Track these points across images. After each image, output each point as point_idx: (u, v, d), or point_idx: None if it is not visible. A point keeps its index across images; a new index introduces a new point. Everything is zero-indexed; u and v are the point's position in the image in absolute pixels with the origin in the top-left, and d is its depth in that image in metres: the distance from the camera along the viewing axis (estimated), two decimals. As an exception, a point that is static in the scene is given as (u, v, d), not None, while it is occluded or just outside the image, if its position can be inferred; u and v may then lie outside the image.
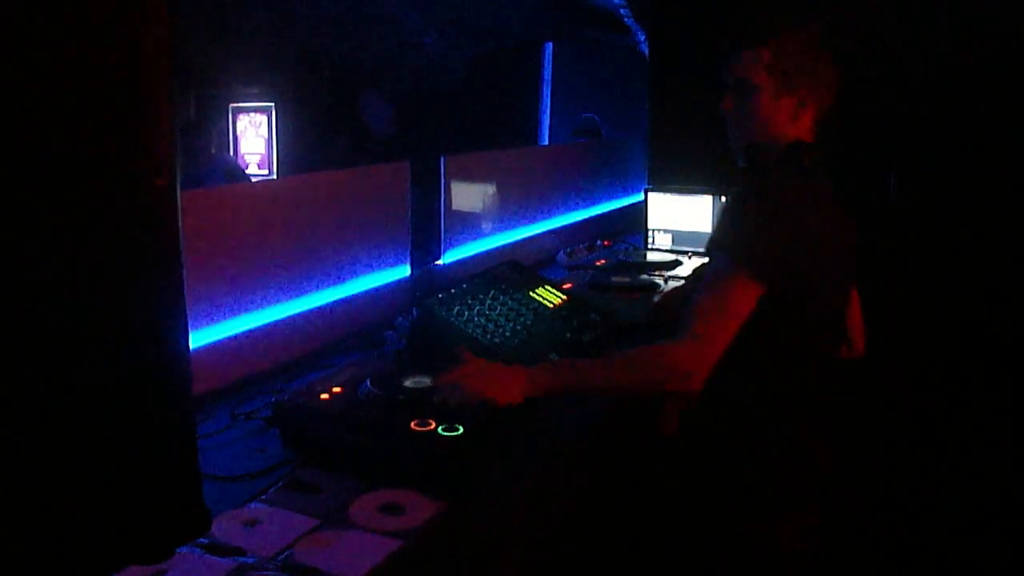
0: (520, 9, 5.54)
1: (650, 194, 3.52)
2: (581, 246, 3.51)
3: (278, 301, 2.08)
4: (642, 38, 4.57)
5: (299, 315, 2.14)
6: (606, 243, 3.66)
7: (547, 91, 6.79)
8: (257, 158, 5.26)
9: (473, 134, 5.53)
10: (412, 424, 1.51)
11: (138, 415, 0.81)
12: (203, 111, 4.90)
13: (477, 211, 3.05)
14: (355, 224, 2.35)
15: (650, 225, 3.50)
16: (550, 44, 6.72)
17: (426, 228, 2.74)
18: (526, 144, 6.31)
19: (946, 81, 3.47)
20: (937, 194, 3.51)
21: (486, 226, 3.11)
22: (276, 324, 2.06)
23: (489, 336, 2.00)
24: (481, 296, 2.17)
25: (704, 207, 3.33)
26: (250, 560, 1.20)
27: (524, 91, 6.69)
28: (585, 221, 3.93)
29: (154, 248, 0.80)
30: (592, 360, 1.71)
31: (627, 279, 2.87)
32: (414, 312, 2.08)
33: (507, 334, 2.03)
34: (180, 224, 0.82)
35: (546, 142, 6.69)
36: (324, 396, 1.63)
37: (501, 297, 2.20)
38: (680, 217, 3.39)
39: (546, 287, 2.36)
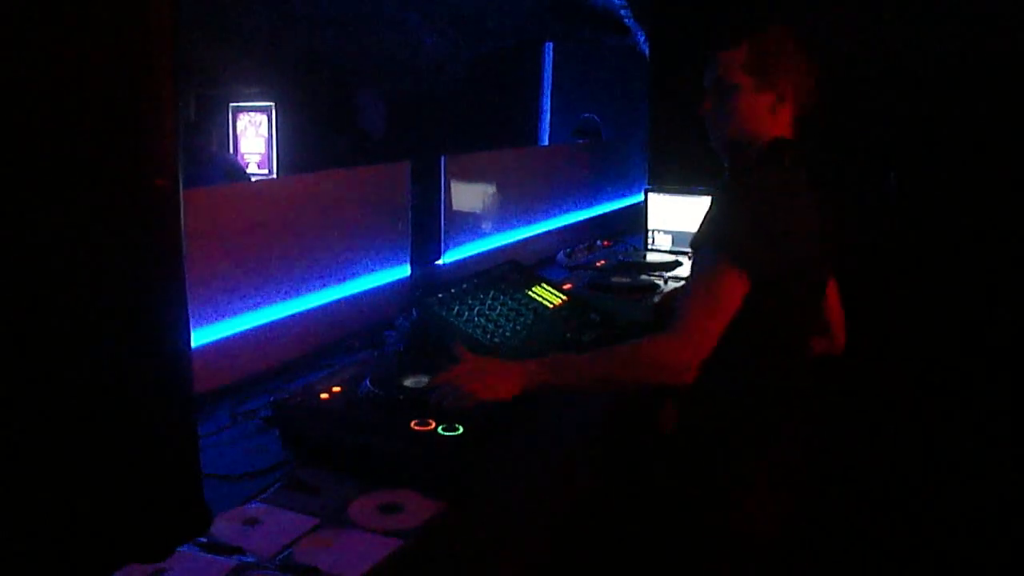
0: (520, 10, 5.55)
1: (650, 194, 3.52)
2: (581, 246, 3.51)
3: (278, 300, 2.08)
4: (642, 38, 4.57)
5: (299, 315, 2.14)
6: (606, 243, 3.66)
7: (547, 91, 6.79)
8: (257, 158, 5.26)
9: (473, 134, 5.54)
10: (412, 424, 1.51)
11: (139, 414, 0.81)
12: (203, 111, 4.90)
13: (477, 211, 3.05)
14: (355, 224, 2.35)
15: (650, 225, 3.50)
16: (550, 44, 6.72)
17: (426, 228, 2.74)
18: (526, 144, 6.31)
19: (946, 81, 3.47)
20: (937, 194, 3.52)
21: (486, 226, 3.11)
22: (276, 323, 2.06)
23: (489, 336, 2.00)
24: (481, 296, 2.17)
25: (704, 208, 3.31)
26: (250, 559, 1.20)
27: (524, 91, 6.69)
28: (585, 221, 3.93)
29: (156, 248, 0.81)
30: (585, 355, 1.72)
31: (627, 279, 2.87)
32: (414, 312, 2.08)
33: (507, 334, 2.03)
34: (183, 224, 0.82)
35: (546, 142, 6.70)
36: (324, 396, 1.63)
37: (501, 297, 2.20)
38: (680, 218, 3.39)
39: (546, 287, 2.36)
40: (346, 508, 1.35)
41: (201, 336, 1.84)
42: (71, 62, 0.72)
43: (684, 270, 3.05)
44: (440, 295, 2.11)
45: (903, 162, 3.57)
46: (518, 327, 2.08)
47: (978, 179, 3.42)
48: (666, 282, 2.88)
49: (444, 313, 2.04)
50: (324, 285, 2.24)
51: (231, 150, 5.18)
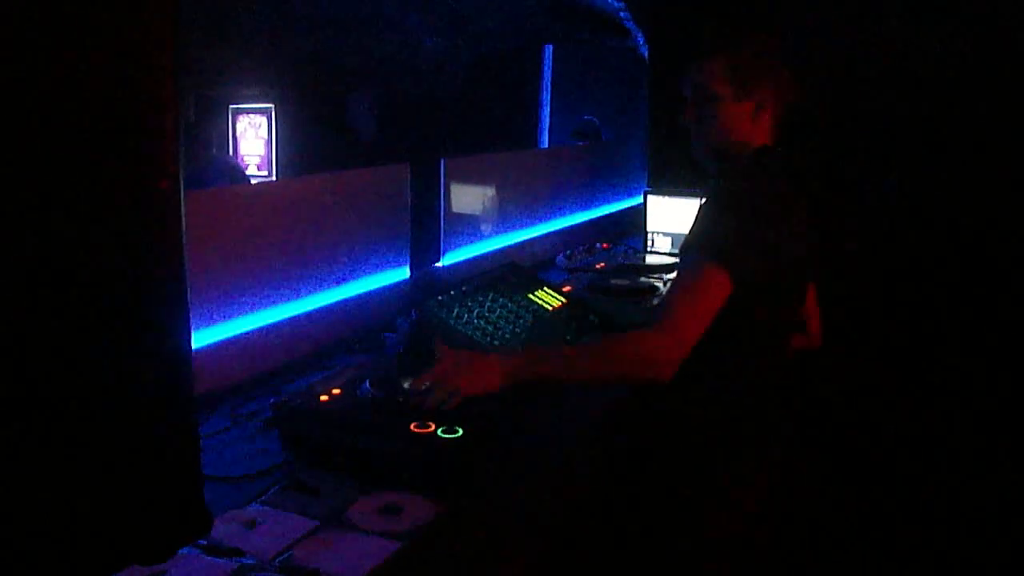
0: (520, 11, 5.54)
1: (649, 197, 3.52)
2: (580, 249, 3.51)
3: (278, 302, 2.08)
4: (641, 40, 4.57)
5: (299, 316, 2.14)
6: (605, 246, 3.67)
7: (547, 93, 6.79)
8: (257, 159, 5.25)
9: (473, 136, 5.53)
10: (412, 426, 1.51)
11: (140, 415, 0.81)
12: (203, 112, 4.89)
13: (477, 213, 3.06)
14: (355, 226, 2.35)
15: (649, 228, 3.50)
16: (550, 46, 6.72)
17: (426, 230, 2.74)
18: (526, 146, 6.31)
19: (946, 82, 3.48)
20: (937, 195, 3.52)
21: (485, 228, 3.11)
22: (276, 325, 2.06)
23: (488, 339, 2.00)
24: (480, 298, 2.17)
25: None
26: (250, 561, 1.20)
27: (524, 93, 6.69)
28: (584, 224, 3.93)
29: (157, 249, 0.81)
30: (566, 348, 1.74)
31: (626, 282, 2.88)
32: (413, 314, 2.08)
33: (507, 336, 2.03)
34: (184, 226, 0.82)
35: (546, 144, 6.69)
36: (324, 398, 1.63)
37: (500, 299, 2.20)
38: (679, 220, 3.39)
39: (545, 290, 2.36)
40: (346, 510, 1.36)
41: (201, 338, 1.84)
42: (71, 64, 0.72)
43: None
44: (440, 297, 2.11)
45: (903, 163, 3.57)
46: (517, 329, 2.08)
47: (978, 180, 3.43)
48: (665, 284, 2.88)
49: (444, 315, 2.04)
50: (324, 287, 2.24)
51: (230, 151, 5.17)
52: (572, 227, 3.81)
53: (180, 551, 0.91)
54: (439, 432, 1.49)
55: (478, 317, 2.07)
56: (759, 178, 1.78)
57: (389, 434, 1.50)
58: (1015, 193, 3.41)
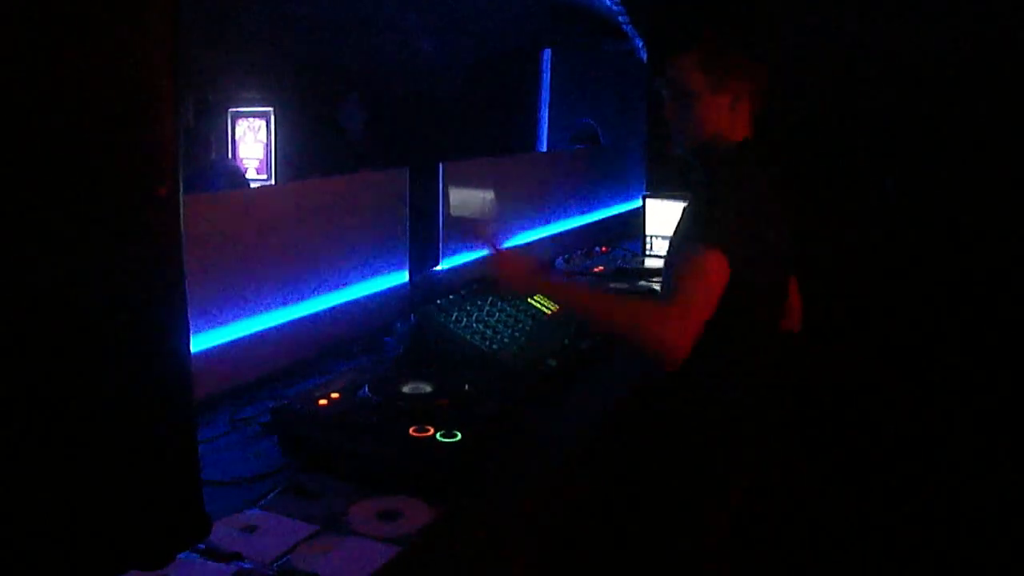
0: (518, 15, 5.55)
1: (648, 200, 3.53)
2: (579, 252, 3.52)
3: (277, 306, 2.08)
4: (640, 44, 4.58)
5: (298, 321, 2.14)
6: (604, 249, 3.67)
7: (545, 97, 6.79)
8: (256, 163, 5.25)
9: (471, 140, 5.53)
10: (411, 430, 1.51)
11: (139, 420, 0.81)
12: (202, 116, 4.89)
13: (475, 217, 3.06)
14: (354, 230, 2.35)
15: (648, 231, 3.50)
16: (548, 50, 6.72)
17: (425, 234, 2.74)
18: (524, 150, 6.31)
19: (946, 82, 3.49)
20: (936, 194, 3.53)
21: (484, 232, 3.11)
22: (275, 329, 2.06)
23: (487, 343, 2.00)
24: (479, 302, 2.17)
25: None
26: (249, 566, 1.20)
27: (522, 97, 6.69)
28: (583, 227, 3.93)
29: (156, 253, 0.81)
30: (595, 295, 1.84)
31: (625, 285, 2.88)
32: (412, 318, 2.09)
33: (505, 340, 2.04)
34: (183, 232, 0.83)
35: (544, 148, 6.69)
36: (322, 402, 1.63)
37: (499, 303, 2.20)
38: (678, 224, 3.39)
39: (544, 293, 2.36)
40: (345, 514, 1.35)
41: (200, 342, 1.84)
42: (70, 67, 0.72)
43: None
44: (439, 301, 2.11)
45: (903, 163, 3.58)
46: (516, 333, 2.08)
47: (978, 180, 3.44)
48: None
49: (443, 319, 2.04)
50: (323, 291, 2.24)
51: (230, 155, 5.17)
52: (571, 231, 3.81)
53: (179, 555, 0.90)
54: (438, 436, 1.50)
55: (477, 321, 2.08)
56: (744, 170, 1.81)
57: (388, 438, 1.50)
58: (1015, 193, 3.42)
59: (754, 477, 1.89)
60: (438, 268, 2.77)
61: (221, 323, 1.92)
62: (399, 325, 2.18)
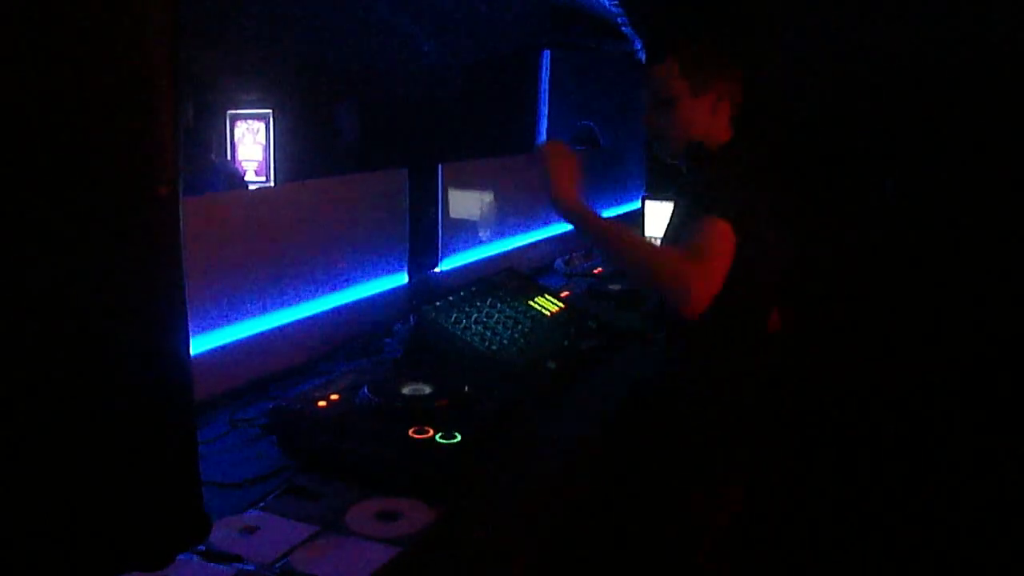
0: (518, 17, 5.55)
1: (647, 202, 3.53)
2: (578, 254, 3.51)
3: (276, 308, 2.08)
4: (640, 46, 4.58)
5: (297, 322, 2.14)
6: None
7: (544, 99, 6.79)
8: (255, 165, 5.25)
9: (470, 141, 5.53)
10: (410, 431, 1.51)
11: (139, 421, 0.81)
12: (201, 117, 4.89)
13: (474, 218, 3.06)
14: (353, 231, 2.35)
15: (647, 232, 3.51)
16: (547, 52, 6.72)
17: (424, 235, 2.74)
18: (523, 152, 6.31)
19: (946, 82, 3.49)
20: (936, 196, 3.53)
21: (483, 234, 3.11)
22: (274, 331, 2.06)
23: (487, 344, 2.00)
24: (479, 304, 2.17)
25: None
26: (248, 567, 1.20)
27: (521, 99, 6.68)
28: (582, 228, 3.93)
29: (156, 256, 0.81)
30: (623, 232, 1.83)
31: (624, 286, 2.87)
32: (412, 319, 2.09)
33: (504, 342, 2.03)
34: (183, 232, 0.83)
35: (544, 150, 6.69)
36: (322, 403, 1.63)
37: (499, 305, 2.20)
38: (677, 225, 3.39)
39: (543, 295, 2.37)
40: (344, 515, 1.35)
41: (199, 343, 1.84)
42: (70, 69, 0.72)
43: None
44: (438, 303, 2.11)
45: (903, 163, 3.58)
46: (516, 334, 2.08)
47: (978, 180, 3.44)
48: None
49: (442, 321, 2.04)
50: (322, 292, 2.24)
51: (228, 157, 5.18)
52: (570, 232, 3.80)
53: (179, 557, 0.91)
54: (437, 438, 1.49)
55: (476, 322, 2.07)
56: (735, 170, 1.83)
57: (387, 439, 1.50)
58: (1015, 193, 3.42)
59: (754, 477, 1.89)
60: (437, 269, 2.77)
61: (221, 324, 1.92)
62: (398, 326, 2.18)
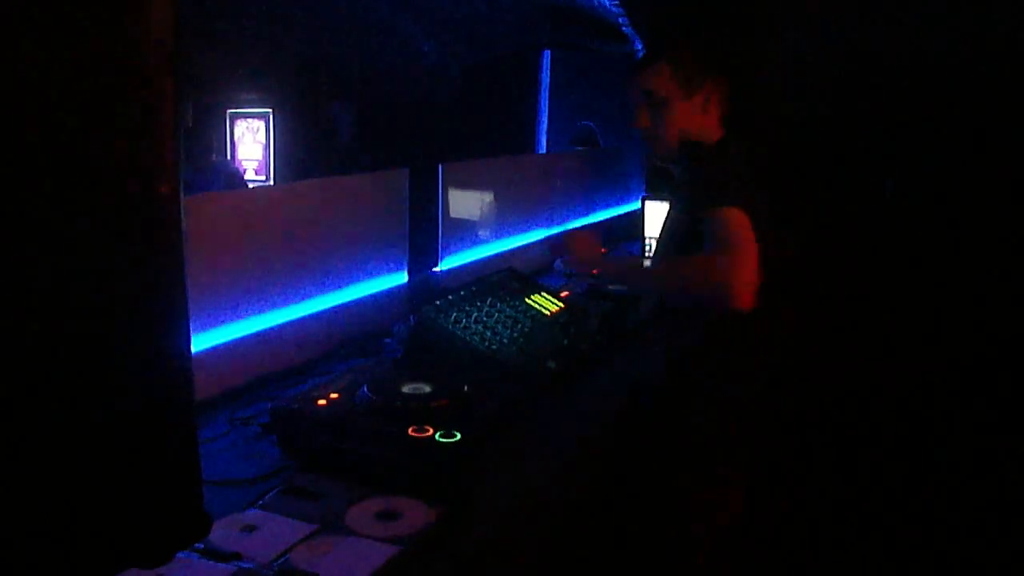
0: (518, 17, 5.55)
1: (647, 202, 3.53)
2: (578, 254, 3.51)
3: (276, 307, 2.09)
4: (640, 46, 4.58)
5: (297, 321, 2.14)
6: (603, 251, 3.66)
7: (545, 99, 6.79)
8: (255, 164, 5.26)
9: (471, 141, 5.54)
10: (410, 431, 1.51)
11: (140, 419, 0.81)
12: (201, 117, 4.90)
13: (475, 218, 3.06)
14: (353, 231, 2.35)
15: (647, 233, 3.51)
16: (548, 52, 6.73)
17: (424, 235, 2.74)
18: (524, 152, 6.32)
19: (946, 82, 3.49)
20: (935, 196, 3.54)
21: (484, 233, 3.12)
22: (274, 330, 2.07)
23: (487, 343, 2.00)
24: (479, 303, 2.17)
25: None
26: (248, 565, 1.20)
27: (522, 99, 6.69)
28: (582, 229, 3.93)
29: (157, 255, 0.81)
30: (658, 271, 1.94)
31: (624, 287, 2.87)
32: (412, 319, 2.09)
33: (504, 341, 2.04)
34: (183, 231, 0.83)
35: (544, 150, 6.70)
36: (321, 402, 1.63)
37: (499, 304, 2.20)
38: (677, 225, 3.39)
39: (543, 294, 2.37)
40: (344, 514, 1.35)
41: (200, 342, 1.84)
42: (69, 67, 0.72)
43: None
44: (438, 302, 2.11)
45: (903, 163, 3.58)
46: (516, 334, 2.08)
47: (978, 180, 3.44)
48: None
49: (442, 320, 2.04)
50: (322, 292, 2.24)
51: (228, 156, 5.18)
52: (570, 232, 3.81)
53: (178, 555, 0.91)
54: (437, 437, 1.50)
55: (476, 322, 2.08)
56: (732, 169, 1.83)
57: (387, 439, 1.50)
58: (1015, 193, 3.42)
59: (754, 477, 1.89)
60: (437, 269, 2.77)
61: (221, 323, 1.92)
62: (398, 326, 2.18)
